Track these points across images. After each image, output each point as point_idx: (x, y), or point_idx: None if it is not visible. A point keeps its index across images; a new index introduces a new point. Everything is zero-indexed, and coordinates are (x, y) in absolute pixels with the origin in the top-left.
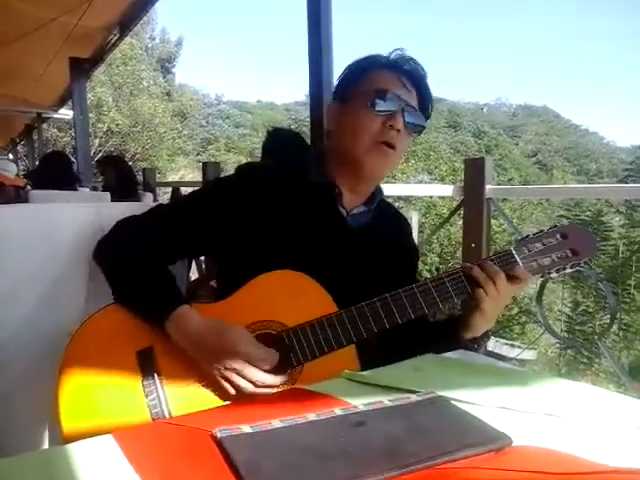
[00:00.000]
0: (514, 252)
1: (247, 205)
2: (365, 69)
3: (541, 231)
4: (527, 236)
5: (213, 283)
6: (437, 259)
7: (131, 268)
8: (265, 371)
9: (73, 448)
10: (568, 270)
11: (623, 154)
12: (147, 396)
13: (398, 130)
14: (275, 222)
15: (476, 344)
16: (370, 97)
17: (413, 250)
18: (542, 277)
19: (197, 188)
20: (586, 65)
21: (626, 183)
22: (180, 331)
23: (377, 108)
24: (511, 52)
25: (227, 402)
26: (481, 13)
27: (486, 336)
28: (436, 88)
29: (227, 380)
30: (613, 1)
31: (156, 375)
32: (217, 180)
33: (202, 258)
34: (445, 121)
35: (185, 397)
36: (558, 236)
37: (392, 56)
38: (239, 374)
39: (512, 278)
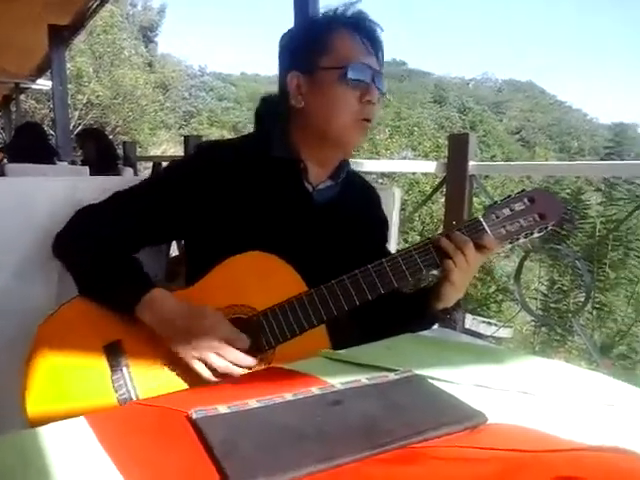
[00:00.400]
0: (482, 220)
1: (209, 186)
2: (327, 34)
3: (509, 196)
4: (495, 202)
5: None
6: (419, 237)
7: (95, 257)
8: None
9: (45, 431)
10: (536, 235)
11: (605, 131)
12: (117, 391)
13: (374, 103)
14: (239, 201)
15: (447, 314)
16: (341, 70)
17: (383, 222)
18: (510, 243)
19: (156, 172)
20: (572, 40)
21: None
22: (153, 313)
23: (351, 82)
24: (498, 25)
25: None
26: None
27: (457, 306)
28: (423, 62)
29: (202, 361)
30: None
31: (125, 369)
32: (176, 162)
33: None
34: (431, 96)
35: (156, 390)
36: (526, 200)
37: (349, 14)
38: (216, 354)
39: (480, 247)
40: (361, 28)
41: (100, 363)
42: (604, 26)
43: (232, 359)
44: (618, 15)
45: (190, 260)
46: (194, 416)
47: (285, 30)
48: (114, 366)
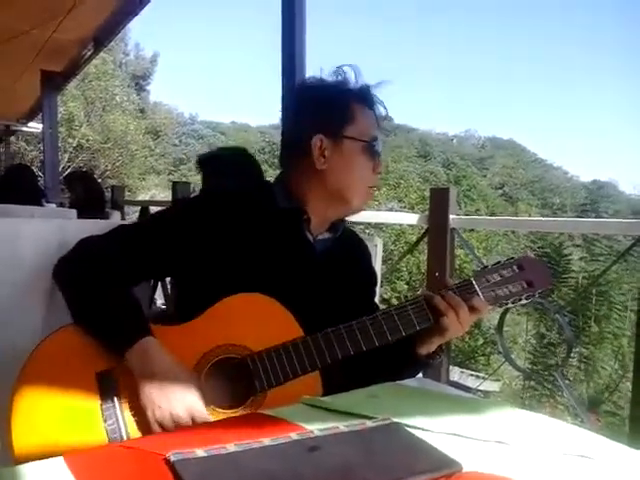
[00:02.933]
0: (474, 282)
1: (212, 228)
2: (349, 106)
3: (499, 262)
4: (486, 267)
5: None
6: (406, 286)
7: (94, 289)
8: None
9: (23, 469)
10: (524, 301)
11: (585, 189)
12: (106, 420)
13: (380, 173)
14: (241, 246)
15: (431, 359)
16: (365, 144)
17: (373, 275)
18: (500, 307)
19: (163, 208)
20: (551, 100)
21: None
22: (139, 362)
23: (372, 157)
24: (480, 83)
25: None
26: (450, 47)
27: (441, 350)
28: (409, 118)
29: (160, 424)
30: (578, 37)
31: (116, 399)
32: (182, 201)
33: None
34: (416, 151)
35: (146, 423)
36: (515, 267)
37: (364, 87)
38: (175, 423)
39: (472, 308)
40: (374, 104)
41: (90, 391)
42: (582, 85)
43: None
44: (597, 76)
45: (184, 299)
46: (172, 459)
47: (273, 82)
48: (105, 395)
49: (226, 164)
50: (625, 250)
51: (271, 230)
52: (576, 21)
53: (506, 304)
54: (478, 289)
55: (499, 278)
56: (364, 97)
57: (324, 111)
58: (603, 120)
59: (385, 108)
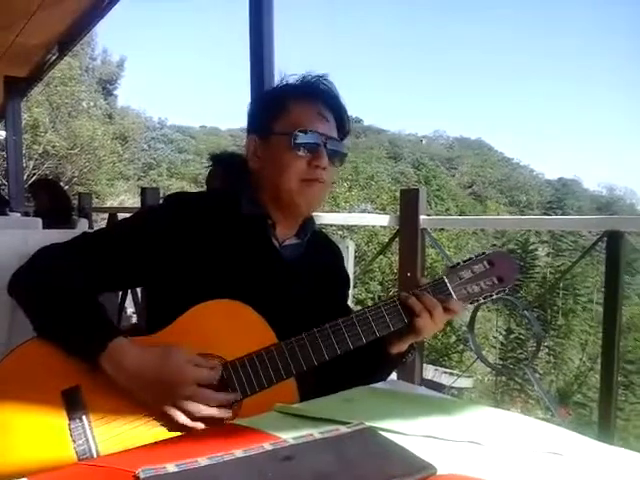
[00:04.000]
0: (446, 280)
1: (177, 236)
2: (282, 101)
3: (470, 259)
4: (457, 264)
5: None
6: (379, 287)
7: (55, 299)
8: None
9: None
10: (494, 296)
11: (550, 186)
12: (75, 441)
13: (324, 168)
14: (207, 253)
15: (403, 357)
16: (291, 137)
17: (345, 278)
18: (471, 303)
19: (125, 217)
20: (517, 100)
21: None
22: (117, 365)
23: (300, 149)
24: (449, 84)
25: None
26: (418, 49)
27: (412, 349)
28: (379, 120)
29: (181, 409)
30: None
31: (84, 417)
32: (146, 209)
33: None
34: (386, 152)
35: (117, 440)
36: (485, 263)
37: (305, 81)
38: (193, 399)
39: (446, 308)
40: (317, 95)
41: (57, 410)
42: (548, 85)
43: (210, 400)
44: (563, 75)
45: (152, 308)
46: (142, 476)
47: (242, 85)
48: (72, 414)
49: (234, 166)
50: (591, 245)
51: (237, 236)
52: (540, 21)
53: (477, 301)
54: (450, 287)
55: (471, 275)
56: (301, 89)
57: (258, 112)
58: (566, 119)
59: (331, 97)
